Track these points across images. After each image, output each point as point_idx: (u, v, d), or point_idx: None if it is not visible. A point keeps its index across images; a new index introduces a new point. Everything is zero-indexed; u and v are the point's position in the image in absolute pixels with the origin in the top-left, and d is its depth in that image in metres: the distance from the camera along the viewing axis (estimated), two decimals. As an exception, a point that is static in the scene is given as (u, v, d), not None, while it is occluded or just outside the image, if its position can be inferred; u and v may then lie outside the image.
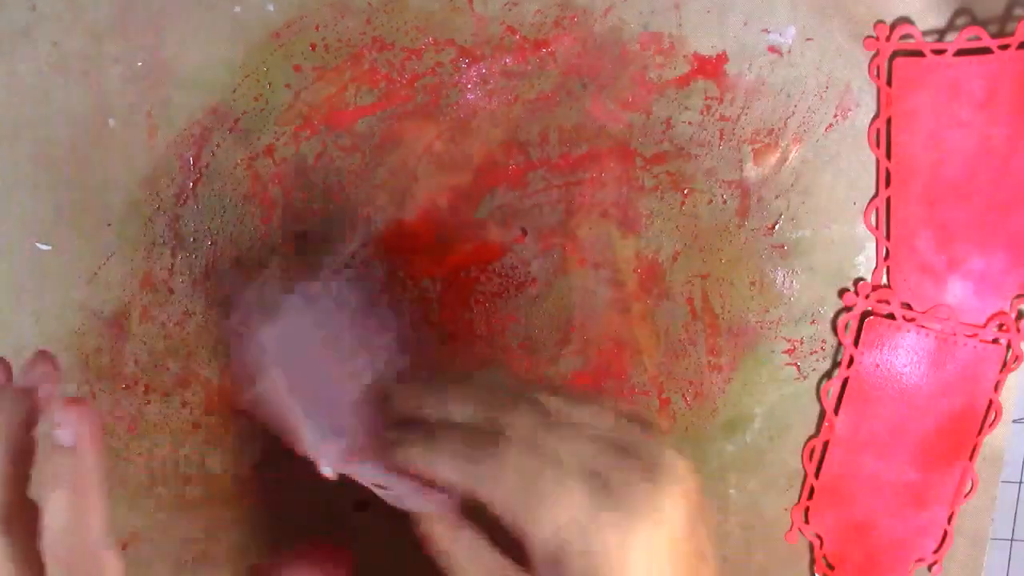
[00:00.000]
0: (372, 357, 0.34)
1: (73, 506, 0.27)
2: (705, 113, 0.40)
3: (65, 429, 0.28)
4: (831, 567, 0.45)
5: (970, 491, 0.44)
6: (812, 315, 0.42)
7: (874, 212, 0.41)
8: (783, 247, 0.42)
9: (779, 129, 0.40)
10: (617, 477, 0.28)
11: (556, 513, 0.28)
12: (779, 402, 0.43)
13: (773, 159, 0.41)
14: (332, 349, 0.33)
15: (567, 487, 0.28)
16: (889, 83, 0.39)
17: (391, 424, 0.32)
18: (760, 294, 0.42)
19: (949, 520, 0.44)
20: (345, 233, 0.39)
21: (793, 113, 0.40)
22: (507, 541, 0.29)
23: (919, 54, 0.39)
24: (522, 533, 0.28)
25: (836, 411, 0.43)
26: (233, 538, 0.42)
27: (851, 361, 0.42)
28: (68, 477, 0.27)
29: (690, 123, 0.40)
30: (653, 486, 0.28)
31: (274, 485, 0.42)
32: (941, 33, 0.39)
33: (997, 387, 0.42)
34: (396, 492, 0.31)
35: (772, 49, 0.39)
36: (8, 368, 0.31)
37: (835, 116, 0.40)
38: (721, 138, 0.40)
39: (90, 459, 0.28)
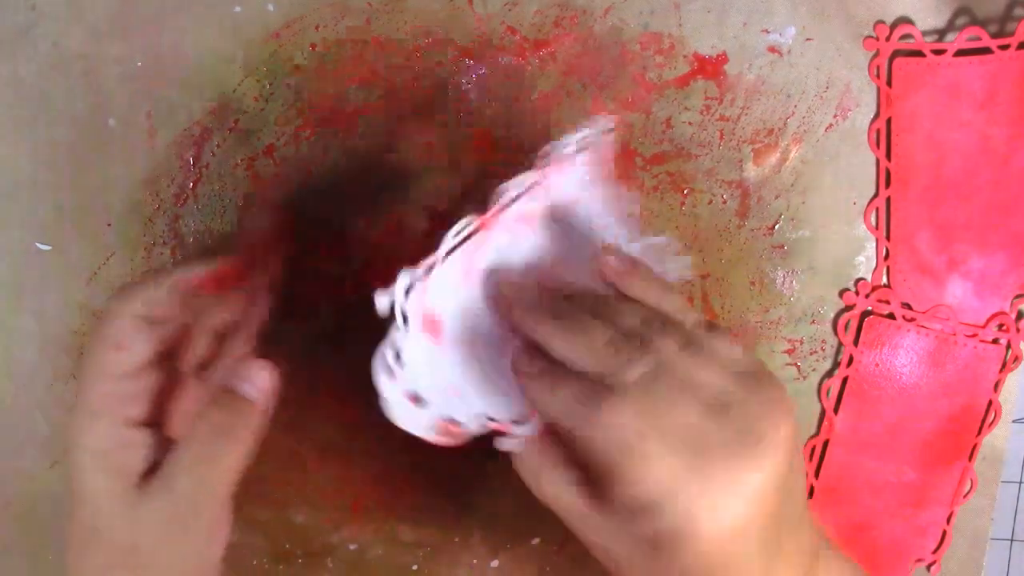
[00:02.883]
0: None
1: (230, 452, 0.30)
2: (705, 113, 0.40)
3: (252, 384, 0.31)
4: (831, 567, 0.45)
5: (970, 491, 0.44)
6: (812, 315, 0.42)
7: (874, 212, 0.41)
8: (783, 247, 0.42)
9: (779, 129, 0.40)
10: (740, 411, 0.28)
11: (651, 474, 0.27)
12: (779, 402, 0.43)
13: (773, 159, 0.41)
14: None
15: (663, 454, 0.27)
16: (889, 83, 0.39)
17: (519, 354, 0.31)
18: (760, 294, 0.42)
19: (948, 520, 0.44)
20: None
21: (793, 113, 0.40)
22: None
23: (919, 54, 0.39)
24: (613, 480, 0.27)
25: (836, 411, 0.43)
26: (232, 537, 0.42)
27: (851, 361, 0.42)
28: (238, 425, 0.31)
29: (690, 123, 0.40)
30: (772, 431, 0.27)
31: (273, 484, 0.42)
32: (941, 33, 0.39)
33: (997, 387, 0.42)
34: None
35: (772, 49, 0.39)
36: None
37: (835, 116, 0.40)
38: (721, 138, 0.40)
39: (259, 418, 0.31)
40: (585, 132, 0.33)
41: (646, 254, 0.35)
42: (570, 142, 0.33)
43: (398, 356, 0.31)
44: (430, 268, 0.31)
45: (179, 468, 0.30)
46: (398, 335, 0.31)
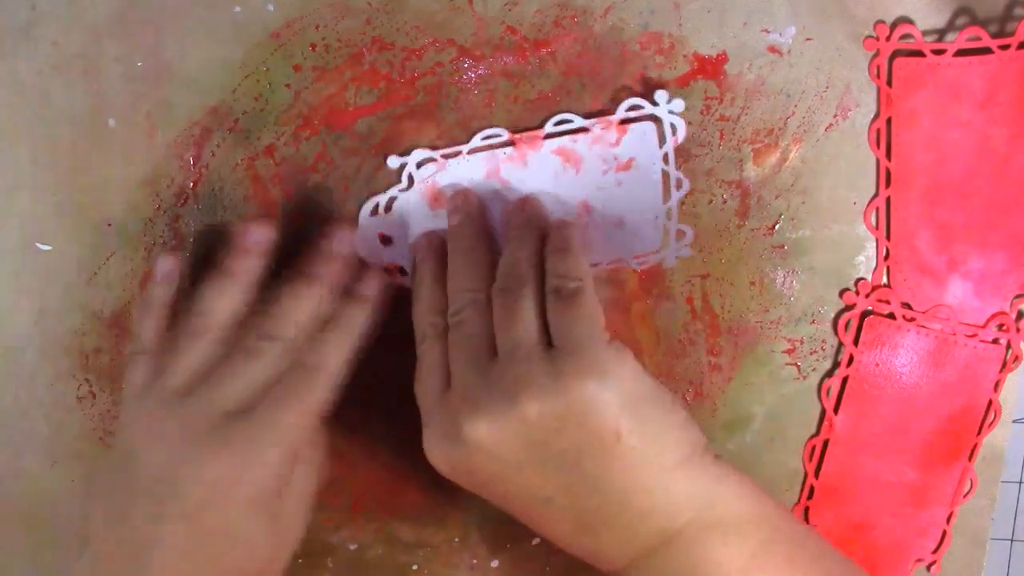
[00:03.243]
0: None
1: (346, 347, 0.36)
2: (705, 113, 0.40)
3: (369, 284, 0.38)
4: (831, 567, 0.45)
5: (970, 491, 0.44)
6: (812, 315, 0.42)
7: (874, 212, 0.41)
8: (783, 247, 0.42)
9: (779, 129, 0.40)
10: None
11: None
12: (779, 402, 0.43)
13: (773, 159, 0.41)
14: None
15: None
16: (889, 83, 0.39)
17: None
18: (760, 294, 0.42)
19: (948, 520, 0.44)
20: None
21: (793, 113, 0.40)
22: None
23: (919, 54, 0.39)
24: None
25: (836, 411, 0.43)
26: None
27: (851, 361, 0.42)
28: (355, 323, 0.37)
29: (690, 123, 0.40)
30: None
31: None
32: (941, 33, 0.39)
33: (997, 387, 0.42)
34: None
35: (772, 49, 0.39)
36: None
37: (835, 116, 0.40)
38: (721, 138, 0.40)
39: (369, 318, 0.37)
40: (649, 106, 0.38)
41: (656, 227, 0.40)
42: (633, 105, 0.38)
43: (389, 207, 0.38)
44: (450, 156, 0.38)
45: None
46: (396, 191, 0.38)
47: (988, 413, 0.43)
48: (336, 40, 0.38)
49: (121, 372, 0.40)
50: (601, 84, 0.39)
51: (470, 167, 0.38)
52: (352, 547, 0.43)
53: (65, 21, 0.37)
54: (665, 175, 0.39)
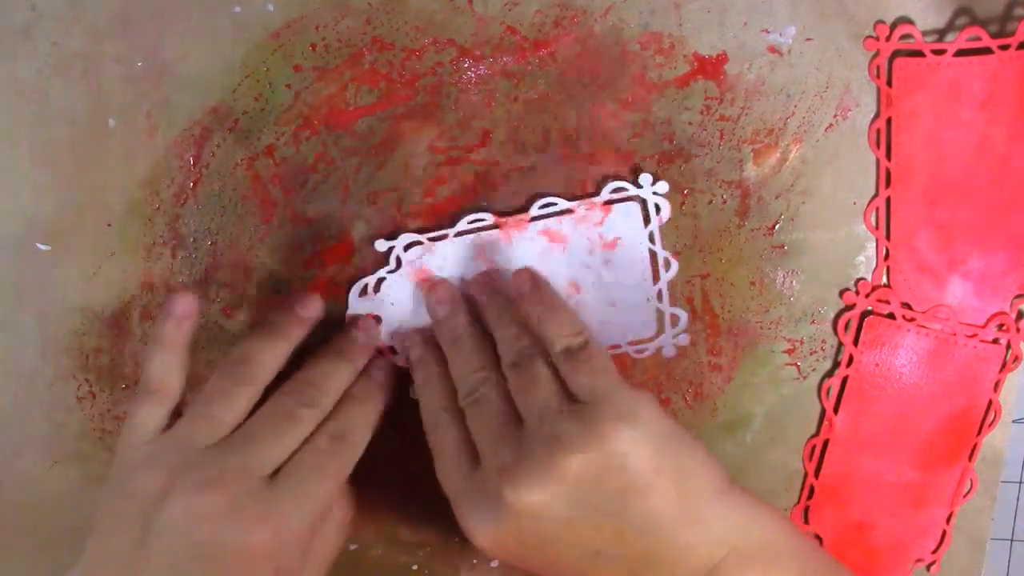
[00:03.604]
0: None
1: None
2: (705, 113, 0.40)
3: (377, 365, 0.39)
4: (831, 567, 0.45)
5: (970, 491, 0.44)
6: (812, 315, 0.42)
7: (874, 212, 0.41)
8: (783, 247, 0.42)
9: (779, 129, 0.40)
10: None
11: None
12: (779, 402, 0.43)
13: (773, 159, 0.41)
14: None
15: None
16: (889, 83, 0.39)
17: None
18: (760, 294, 0.42)
19: (948, 520, 0.44)
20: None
21: (793, 113, 0.40)
22: None
23: (919, 54, 0.39)
24: None
25: (836, 411, 0.43)
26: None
27: (851, 361, 0.42)
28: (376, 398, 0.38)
29: (690, 123, 0.40)
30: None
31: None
32: (941, 33, 0.39)
33: (997, 387, 0.42)
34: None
35: (772, 49, 0.39)
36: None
37: (835, 116, 0.40)
38: (721, 138, 0.40)
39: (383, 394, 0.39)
40: (632, 188, 0.39)
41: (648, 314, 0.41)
42: (617, 188, 0.39)
43: (377, 287, 0.39)
44: (437, 239, 0.39)
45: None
46: (385, 273, 0.39)
47: (988, 413, 0.43)
48: (336, 40, 0.38)
49: (121, 372, 0.40)
50: (601, 84, 0.39)
51: (456, 249, 0.39)
52: (352, 547, 0.43)
53: (65, 21, 0.37)
54: (652, 254, 0.40)
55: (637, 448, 0.31)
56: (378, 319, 0.40)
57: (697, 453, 0.34)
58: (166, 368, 0.36)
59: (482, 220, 0.39)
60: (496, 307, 0.38)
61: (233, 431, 0.35)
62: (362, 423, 0.37)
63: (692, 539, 0.33)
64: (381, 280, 0.39)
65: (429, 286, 0.39)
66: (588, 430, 0.31)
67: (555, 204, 0.39)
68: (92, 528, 0.34)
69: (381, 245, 0.39)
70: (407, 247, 0.39)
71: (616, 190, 0.39)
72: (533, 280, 0.38)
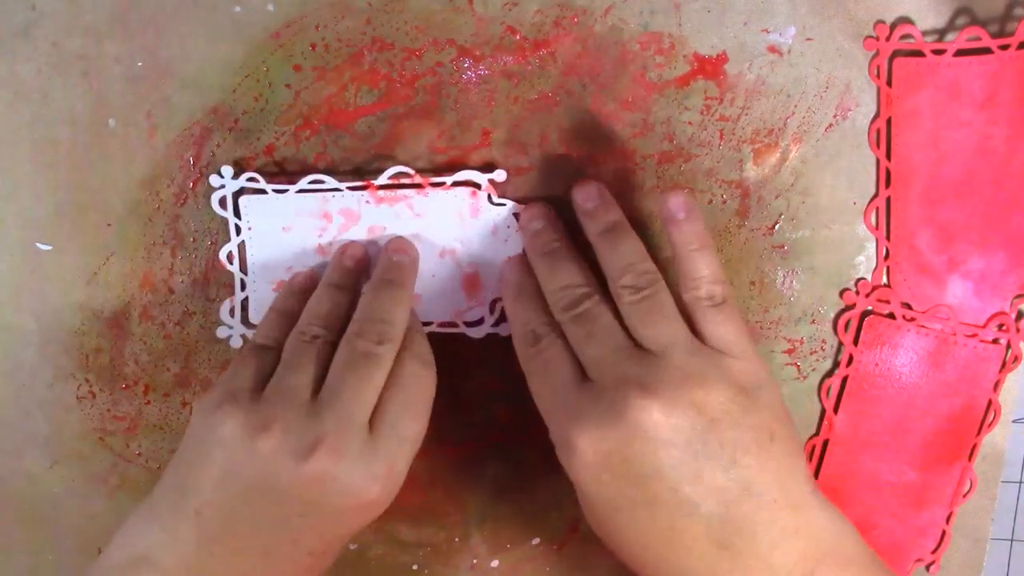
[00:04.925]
0: None
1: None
2: (705, 113, 0.40)
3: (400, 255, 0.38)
4: (831, 567, 0.44)
5: (969, 491, 0.44)
6: (812, 315, 0.42)
7: (874, 212, 0.41)
8: (783, 247, 0.42)
9: (779, 129, 0.40)
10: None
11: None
12: (779, 402, 0.43)
13: (773, 159, 0.41)
14: None
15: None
16: (889, 83, 0.39)
17: None
18: (760, 294, 0.42)
19: (948, 520, 0.44)
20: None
21: (793, 113, 0.40)
22: None
23: (919, 54, 0.39)
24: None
25: (836, 410, 0.43)
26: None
27: (851, 360, 0.42)
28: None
29: (690, 123, 0.40)
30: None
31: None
32: (941, 33, 0.39)
33: (997, 387, 0.42)
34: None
35: (772, 49, 0.39)
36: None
37: (835, 116, 0.40)
38: (721, 138, 0.40)
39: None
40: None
41: None
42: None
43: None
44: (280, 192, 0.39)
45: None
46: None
47: (988, 413, 0.43)
48: (336, 40, 0.38)
49: (120, 372, 0.41)
50: (601, 84, 0.39)
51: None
52: (352, 547, 0.43)
53: (65, 21, 0.37)
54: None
55: (762, 404, 0.31)
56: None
57: (798, 440, 0.34)
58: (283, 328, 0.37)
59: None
60: (608, 231, 0.36)
61: (319, 386, 0.34)
62: (426, 347, 0.37)
63: (793, 523, 0.31)
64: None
65: (526, 208, 0.39)
66: (725, 375, 0.31)
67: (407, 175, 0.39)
68: (165, 479, 0.34)
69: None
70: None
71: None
72: (688, 208, 0.35)
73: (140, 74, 0.38)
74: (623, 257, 0.35)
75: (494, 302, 0.40)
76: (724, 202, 0.41)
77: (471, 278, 0.40)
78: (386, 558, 0.44)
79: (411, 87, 0.38)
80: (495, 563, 0.44)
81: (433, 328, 0.40)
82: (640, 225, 0.40)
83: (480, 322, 0.40)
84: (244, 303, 0.40)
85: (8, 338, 0.40)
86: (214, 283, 0.40)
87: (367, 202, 0.39)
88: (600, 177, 0.40)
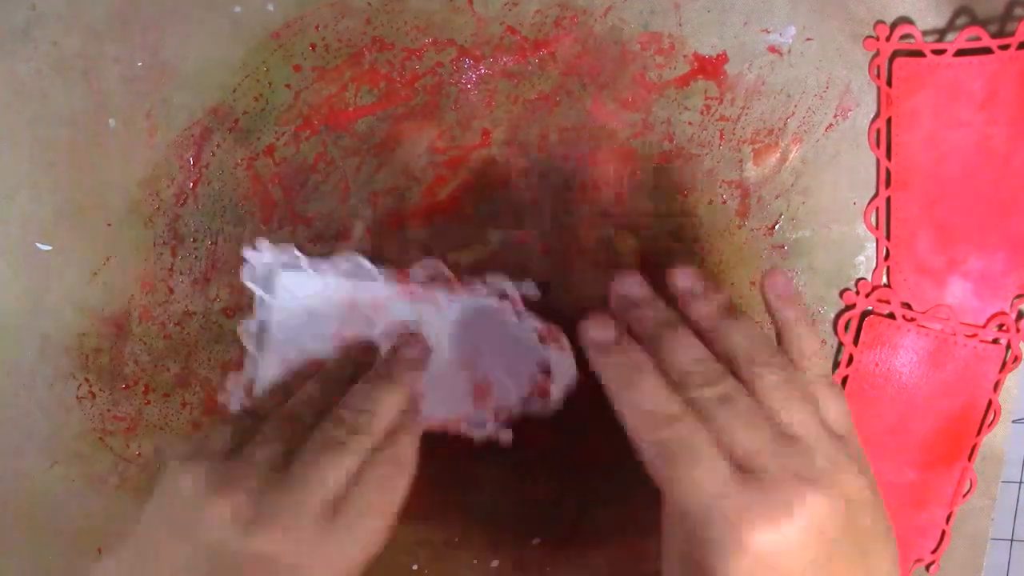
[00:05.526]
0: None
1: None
2: (705, 113, 0.40)
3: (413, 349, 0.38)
4: (831, 567, 0.44)
5: (969, 491, 0.44)
6: (812, 315, 0.42)
7: (874, 212, 0.41)
8: (783, 247, 0.42)
9: (779, 129, 0.40)
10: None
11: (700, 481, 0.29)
12: (779, 402, 0.43)
13: (773, 159, 0.41)
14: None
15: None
16: (889, 83, 0.39)
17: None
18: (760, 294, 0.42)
19: (948, 520, 0.44)
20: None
21: (793, 113, 0.40)
22: None
23: (919, 54, 0.39)
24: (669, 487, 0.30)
25: (836, 411, 0.43)
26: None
27: (851, 360, 0.42)
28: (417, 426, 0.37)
29: (690, 123, 0.40)
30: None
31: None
32: (941, 33, 0.39)
33: (997, 387, 0.42)
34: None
35: (772, 49, 0.39)
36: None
37: (835, 116, 0.40)
38: (721, 138, 0.40)
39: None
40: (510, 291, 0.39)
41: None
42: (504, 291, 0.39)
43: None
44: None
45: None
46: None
47: (988, 413, 0.43)
48: (336, 40, 0.38)
49: (120, 372, 0.40)
50: (601, 84, 0.39)
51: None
52: (352, 547, 0.43)
53: (65, 21, 0.37)
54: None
55: (879, 499, 0.31)
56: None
57: None
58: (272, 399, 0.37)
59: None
60: (728, 319, 0.33)
61: (290, 463, 0.33)
62: (411, 446, 0.35)
63: None
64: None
65: (620, 273, 0.36)
66: (857, 461, 0.31)
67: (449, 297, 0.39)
68: (136, 533, 0.33)
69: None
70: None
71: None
72: (787, 287, 0.34)
73: (140, 74, 0.38)
74: (751, 339, 0.33)
75: (498, 411, 0.40)
76: (724, 202, 0.41)
77: (482, 388, 0.40)
78: (386, 558, 0.44)
79: (411, 87, 0.38)
80: (495, 563, 0.44)
81: (433, 426, 0.40)
82: (640, 225, 0.40)
83: (482, 425, 0.41)
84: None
85: (8, 338, 0.40)
86: (214, 283, 0.40)
87: (396, 294, 0.39)
88: (600, 177, 0.40)
